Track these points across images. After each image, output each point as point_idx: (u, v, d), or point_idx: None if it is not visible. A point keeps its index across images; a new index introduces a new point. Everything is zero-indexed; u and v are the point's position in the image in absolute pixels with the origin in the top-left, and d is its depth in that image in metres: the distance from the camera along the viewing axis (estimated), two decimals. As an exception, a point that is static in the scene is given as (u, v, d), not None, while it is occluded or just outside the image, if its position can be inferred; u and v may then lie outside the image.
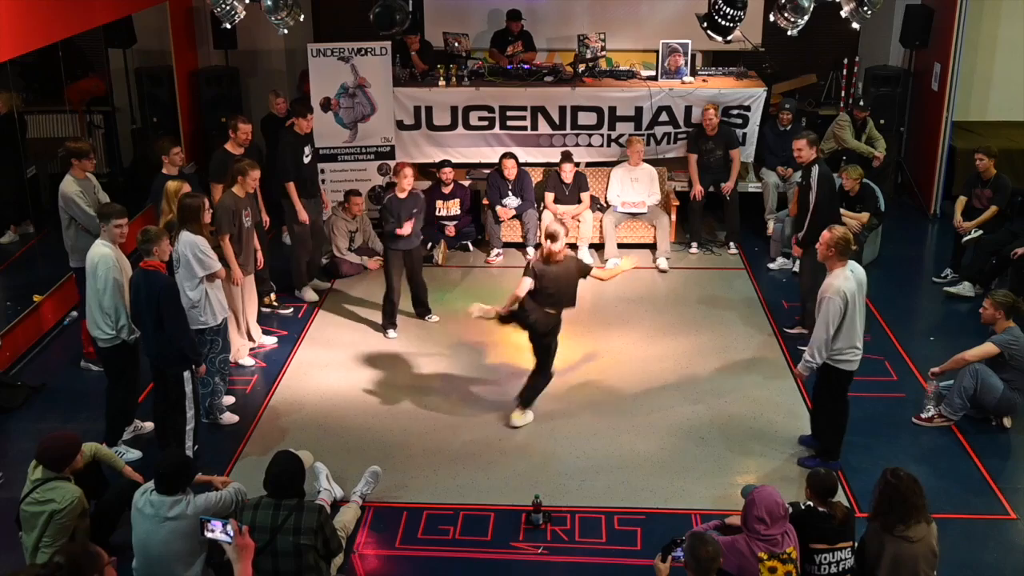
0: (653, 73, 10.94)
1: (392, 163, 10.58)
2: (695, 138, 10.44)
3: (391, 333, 8.63)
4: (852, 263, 6.41)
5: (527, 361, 7.53)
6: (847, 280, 6.27)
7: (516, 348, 8.20)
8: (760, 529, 4.88)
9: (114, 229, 6.66)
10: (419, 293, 8.88)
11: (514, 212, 10.25)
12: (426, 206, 10.29)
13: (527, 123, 10.63)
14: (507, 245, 10.40)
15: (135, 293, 6.41)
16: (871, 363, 7.62)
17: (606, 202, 10.44)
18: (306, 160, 9.09)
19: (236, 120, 8.58)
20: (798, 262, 9.65)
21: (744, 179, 10.93)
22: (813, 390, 6.92)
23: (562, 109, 10.56)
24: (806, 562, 5.07)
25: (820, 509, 5.13)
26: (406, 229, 8.34)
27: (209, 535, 4.60)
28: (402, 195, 8.47)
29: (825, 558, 5.06)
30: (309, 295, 9.35)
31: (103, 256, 6.57)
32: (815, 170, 8.07)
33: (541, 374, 7.26)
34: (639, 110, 10.53)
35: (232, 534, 4.57)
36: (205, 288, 6.88)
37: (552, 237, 6.89)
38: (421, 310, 8.91)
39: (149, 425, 7.05)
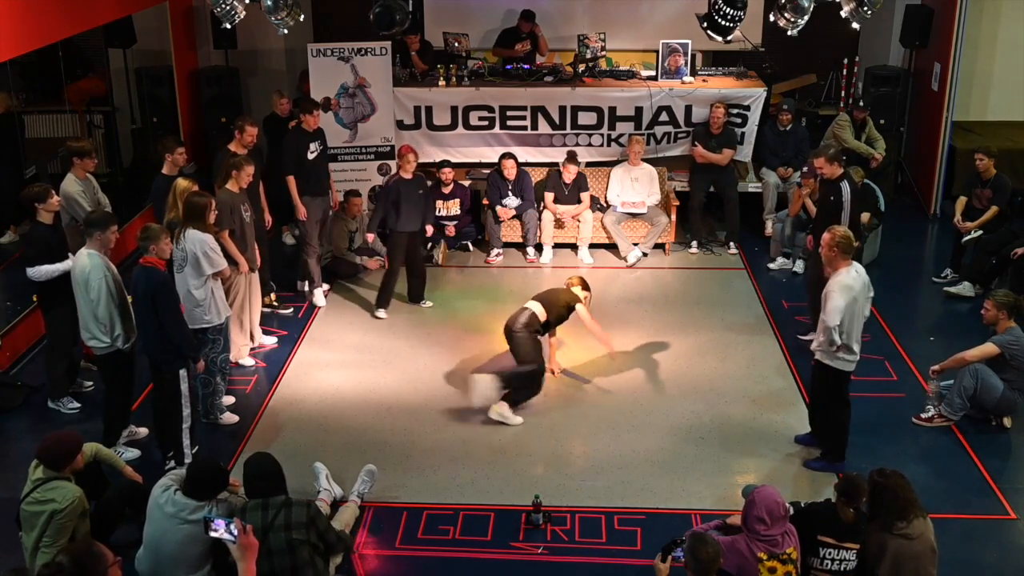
0: (653, 73, 10.94)
1: (391, 164, 10.59)
2: (699, 136, 10.44)
3: (380, 313, 8.89)
4: (856, 264, 6.40)
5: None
6: (853, 279, 6.28)
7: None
8: (760, 529, 4.88)
9: (111, 236, 6.57)
10: (416, 286, 9.14)
11: (514, 212, 10.24)
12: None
13: (527, 123, 10.63)
14: (507, 245, 10.40)
15: (134, 291, 6.37)
16: (871, 363, 7.63)
17: (606, 202, 10.44)
18: (311, 156, 9.02)
19: (243, 122, 8.45)
20: (798, 262, 9.67)
21: (744, 179, 10.93)
22: (811, 391, 6.91)
23: (562, 109, 10.56)
24: (809, 554, 5.07)
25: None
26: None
27: (213, 534, 4.60)
28: (407, 176, 8.86)
29: (829, 553, 5.06)
30: (319, 298, 9.23)
31: (95, 266, 6.44)
32: (845, 188, 7.72)
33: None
34: (639, 110, 10.53)
35: (236, 533, 4.56)
36: (211, 286, 6.88)
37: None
38: (415, 301, 9.17)
39: (143, 431, 7.04)
